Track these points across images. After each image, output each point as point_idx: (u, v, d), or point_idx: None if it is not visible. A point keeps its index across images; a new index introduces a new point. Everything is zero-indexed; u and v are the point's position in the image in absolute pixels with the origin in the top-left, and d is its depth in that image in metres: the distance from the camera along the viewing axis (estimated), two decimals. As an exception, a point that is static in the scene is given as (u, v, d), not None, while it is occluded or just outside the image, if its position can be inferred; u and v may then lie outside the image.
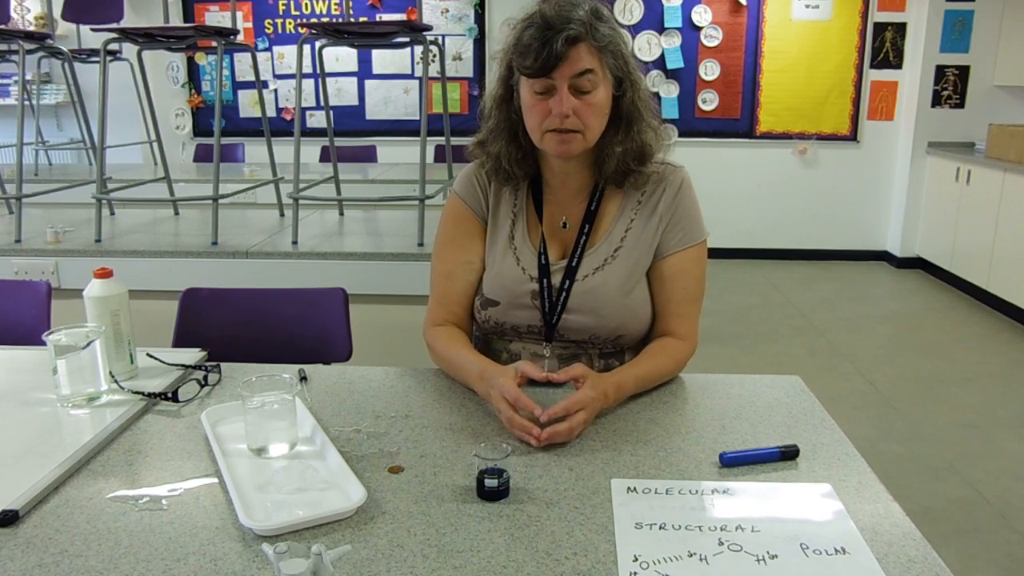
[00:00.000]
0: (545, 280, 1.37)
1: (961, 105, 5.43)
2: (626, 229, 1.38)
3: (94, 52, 3.69)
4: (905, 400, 3.43)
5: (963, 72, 5.38)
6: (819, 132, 5.71)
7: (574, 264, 1.37)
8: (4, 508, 0.95)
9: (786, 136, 5.73)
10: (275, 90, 5.83)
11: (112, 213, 3.15)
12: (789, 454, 1.10)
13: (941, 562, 0.87)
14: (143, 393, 1.31)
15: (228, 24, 2.90)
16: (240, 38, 3.22)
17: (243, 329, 1.87)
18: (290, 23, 5.71)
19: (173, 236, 2.77)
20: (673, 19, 5.53)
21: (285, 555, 0.78)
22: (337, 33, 2.61)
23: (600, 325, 1.36)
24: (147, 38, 2.65)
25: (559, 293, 1.36)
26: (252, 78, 4.59)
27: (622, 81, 1.31)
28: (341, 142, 4.90)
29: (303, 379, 1.40)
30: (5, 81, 5.75)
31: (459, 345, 1.37)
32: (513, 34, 1.28)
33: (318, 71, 3.09)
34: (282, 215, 3.05)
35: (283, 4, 5.68)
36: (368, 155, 5.10)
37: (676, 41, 5.58)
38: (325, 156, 4.95)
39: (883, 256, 5.91)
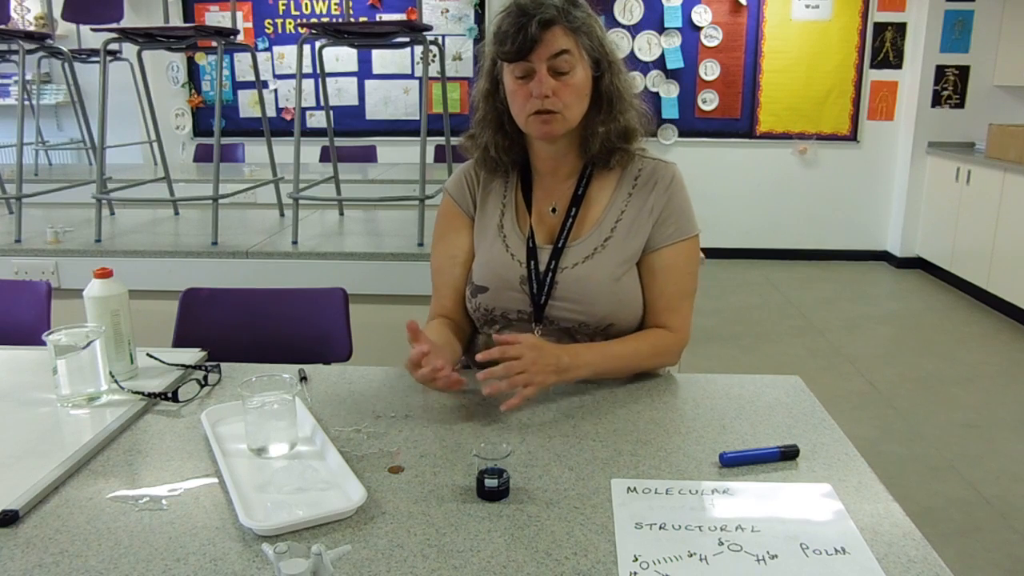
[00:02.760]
0: (533, 262, 1.40)
1: (961, 105, 5.43)
2: (616, 220, 1.40)
3: (94, 52, 3.68)
4: (905, 400, 3.43)
5: (963, 72, 5.38)
6: (819, 132, 5.71)
7: (560, 245, 1.40)
8: (4, 508, 0.95)
9: (786, 136, 5.73)
10: (275, 90, 5.83)
11: (112, 213, 3.15)
12: (789, 454, 1.10)
13: (941, 562, 0.87)
14: (143, 393, 1.31)
15: (228, 24, 2.90)
16: (240, 38, 3.22)
17: (243, 329, 1.87)
18: (290, 23, 5.71)
19: (173, 236, 2.77)
20: (673, 19, 5.53)
21: (285, 555, 0.78)
22: (337, 33, 2.61)
23: (589, 313, 1.38)
24: (147, 38, 2.65)
25: (546, 274, 1.39)
26: (252, 78, 4.59)
27: (599, 62, 1.35)
28: (341, 142, 4.90)
29: (303, 379, 1.40)
30: (5, 81, 5.75)
31: (434, 334, 1.40)
32: (492, 26, 1.34)
33: (318, 71, 3.09)
34: (282, 215, 3.05)
35: (283, 4, 5.68)
36: (368, 155, 5.10)
37: (676, 41, 5.58)
38: (325, 156, 4.95)
39: (883, 256, 5.91)
